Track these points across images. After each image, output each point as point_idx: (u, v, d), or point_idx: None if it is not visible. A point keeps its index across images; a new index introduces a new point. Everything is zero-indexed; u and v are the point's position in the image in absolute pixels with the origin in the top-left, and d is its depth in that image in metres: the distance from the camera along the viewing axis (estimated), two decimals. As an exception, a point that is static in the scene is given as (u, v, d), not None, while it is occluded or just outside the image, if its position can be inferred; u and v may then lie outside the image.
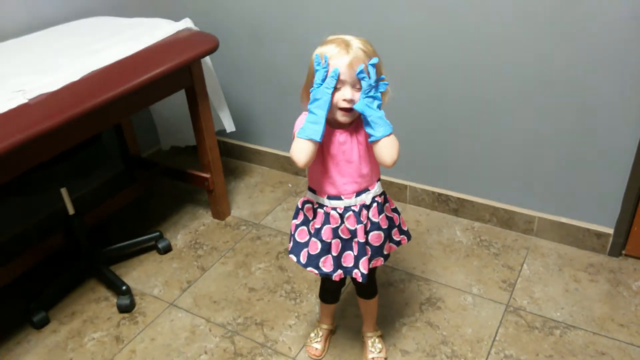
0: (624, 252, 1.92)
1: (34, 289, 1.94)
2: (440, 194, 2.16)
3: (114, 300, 1.88)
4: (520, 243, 2.01)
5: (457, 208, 2.15)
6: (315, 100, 1.20)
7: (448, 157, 2.07)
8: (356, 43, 1.20)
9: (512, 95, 1.82)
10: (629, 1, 1.52)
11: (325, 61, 1.19)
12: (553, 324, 1.69)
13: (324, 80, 1.19)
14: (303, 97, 1.30)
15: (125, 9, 2.24)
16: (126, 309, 1.83)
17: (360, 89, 1.20)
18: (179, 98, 2.07)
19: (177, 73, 1.80)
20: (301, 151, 1.21)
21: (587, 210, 1.90)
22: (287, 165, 2.51)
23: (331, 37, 1.24)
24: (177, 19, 1.96)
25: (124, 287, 1.84)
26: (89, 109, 1.52)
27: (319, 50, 1.22)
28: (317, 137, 1.19)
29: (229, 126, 2.21)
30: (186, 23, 1.91)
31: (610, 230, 1.89)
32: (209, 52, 1.85)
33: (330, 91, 1.19)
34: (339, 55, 1.18)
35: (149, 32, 1.83)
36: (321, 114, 1.19)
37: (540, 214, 1.99)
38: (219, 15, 2.28)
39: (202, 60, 1.94)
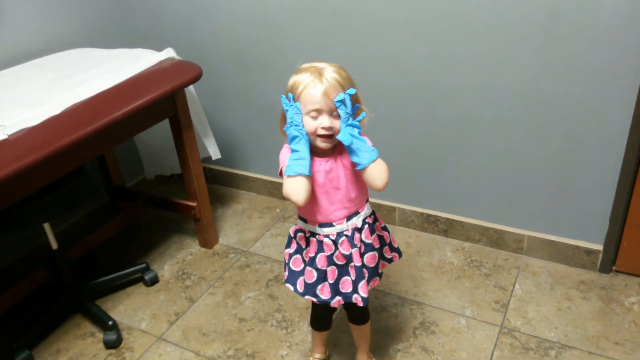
0: (614, 268, 1.92)
1: (17, 326, 1.88)
2: (429, 215, 2.15)
3: (100, 335, 1.83)
4: (511, 262, 2.01)
5: (447, 229, 2.14)
6: (294, 137, 1.21)
7: (436, 178, 2.07)
8: (329, 71, 1.21)
9: (500, 116, 1.84)
10: (616, 23, 1.55)
11: (291, 99, 1.21)
12: (548, 344, 1.67)
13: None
14: (281, 129, 1.31)
15: (107, 40, 2.23)
16: (113, 344, 1.78)
17: (337, 116, 1.21)
18: (163, 126, 2.05)
19: (160, 103, 1.79)
20: (297, 190, 1.20)
21: (575, 227, 1.90)
22: (274, 190, 2.49)
23: (305, 65, 1.25)
24: (159, 49, 1.95)
25: (110, 322, 1.79)
26: (70, 143, 1.49)
27: (293, 79, 1.23)
28: (306, 171, 1.19)
29: (215, 153, 2.19)
30: (168, 53, 1.90)
31: (600, 247, 1.89)
32: (192, 81, 1.84)
33: (302, 128, 1.20)
34: (314, 85, 1.19)
35: (131, 63, 1.82)
36: (303, 149, 1.20)
37: (530, 232, 1.98)
38: (202, 44, 2.28)
39: (186, 88, 1.93)
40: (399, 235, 2.20)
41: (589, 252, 1.91)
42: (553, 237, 1.95)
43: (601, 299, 1.82)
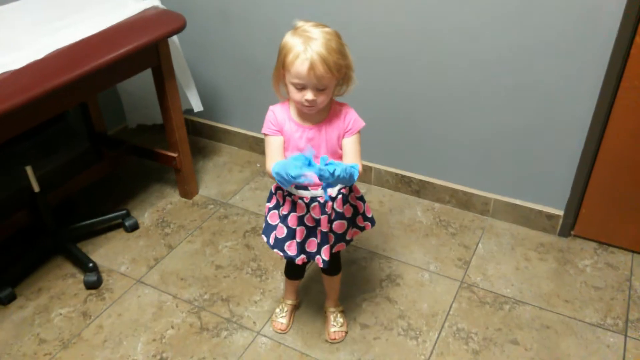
0: (572, 232, 2.03)
1: (-1, 265, 1.95)
2: (403, 176, 2.23)
3: (80, 277, 1.90)
4: (476, 223, 2.11)
5: (419, 189, 2.23)
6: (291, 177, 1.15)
7: (411, 140, 2.13)
8: (318, 44, 1.19)
9: (470, 83, 1.89)
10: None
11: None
12: (503, 299, 1.79)
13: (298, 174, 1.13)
14: (274, 83, 1.33)
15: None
16: (93, 285, 1.86)
17: (321, 88, 1.22)
18: (146, 75, 2.07)
19: (143, 52, 1.80)
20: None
21: (539, 193, 2.00)
22: (255, 145, 2.54)
23: (300, 25, 1.24)
24: (143, -4, 1.94)
25: (90, 264, 1.86)
26: (53, 88, 1.51)
27: (285, 40, 1.23)
28: (288, 187, 1.27)
29: (197, 105, 2.22)
30: (153, 1, 1.90)
31: (561, 212, 2.00)
32: (176, 31, 1.85)
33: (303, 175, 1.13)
34: (301, 61, 1.19)
35: (115, 10, 1.82)
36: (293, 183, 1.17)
37: (496, 196, 2.08)
38: (187, -6, 2.26)
39: (170, 39, 1.93)
40: (374, 193, 2.28)
41: (550, 216, 2.02)
42: (518, 201, 2.05)
43: (557, 260, 1.94)
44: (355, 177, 1.17)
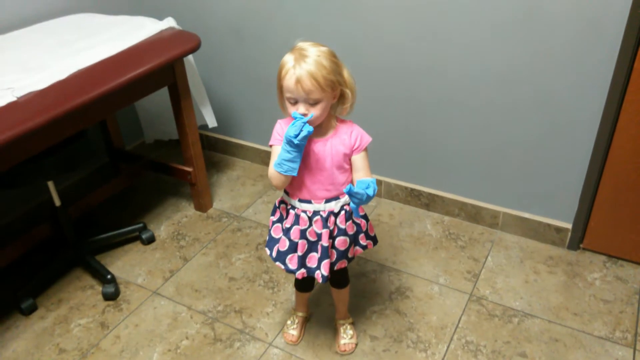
0: (581, 245, 2.05)
1: (21, 277, 2.02)
2: (413, 189, 2.27)
3: (99, 288, 1.96)
4: (486, 236, 2.14)
5: (429, 203, 2.26)
6: (291, 145, 1.27)
7: (421, 155, 2.17)
8: (309, 62, 1.24)
9: (479, 98, 1.93)
10: (584, 10, 1.63)
11: (294, 121, 1.26)
12: (512, 312, 1.81)
13: (296, 135, 1.25)
14: (278, 99, 1.38)
15: (109, 5, 2.28)
16: (111, 296, 1.92)
17: (314, 102, 1.27)
18: (162, 92, 2.14)
19: (160, 72, 1.87)
20: (280, 182, 1.35)
21: (548, 206, 2.02)
22: (268, 159, 2.59)
23: (297, 44, 1.30)
24: (159, 15, 2.02)
25: (108, 276, 1.92)
26: (75, 107, 1.58)
27: (284, 57, 1.29)
28: (295, 173, 1.30)
29: (211, 122, 2.29)
30: (169, 22, 1.98)
31: (569, 225, 2.01)
32: (191, 51, 1.92)
33: (301, 142, 1.26)
34: (290, 75, 1.25)
35: (132, 31, 1.90)
36: (296, 155, 1.28)
37: (505, 209, 2.11)
38: (201, 13, 2.34)
39: (186, 58, 2.01)
40: (384, 207, 2.32)
41: (559, 230, 2.03)
42: (526, 215, 2.07)
43: (566, 273, 1.96)
44: (376, 191, 1.27)
